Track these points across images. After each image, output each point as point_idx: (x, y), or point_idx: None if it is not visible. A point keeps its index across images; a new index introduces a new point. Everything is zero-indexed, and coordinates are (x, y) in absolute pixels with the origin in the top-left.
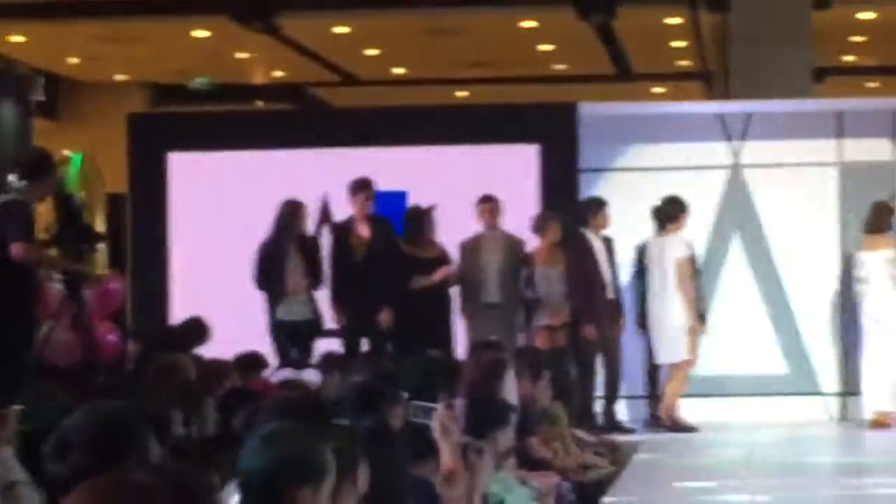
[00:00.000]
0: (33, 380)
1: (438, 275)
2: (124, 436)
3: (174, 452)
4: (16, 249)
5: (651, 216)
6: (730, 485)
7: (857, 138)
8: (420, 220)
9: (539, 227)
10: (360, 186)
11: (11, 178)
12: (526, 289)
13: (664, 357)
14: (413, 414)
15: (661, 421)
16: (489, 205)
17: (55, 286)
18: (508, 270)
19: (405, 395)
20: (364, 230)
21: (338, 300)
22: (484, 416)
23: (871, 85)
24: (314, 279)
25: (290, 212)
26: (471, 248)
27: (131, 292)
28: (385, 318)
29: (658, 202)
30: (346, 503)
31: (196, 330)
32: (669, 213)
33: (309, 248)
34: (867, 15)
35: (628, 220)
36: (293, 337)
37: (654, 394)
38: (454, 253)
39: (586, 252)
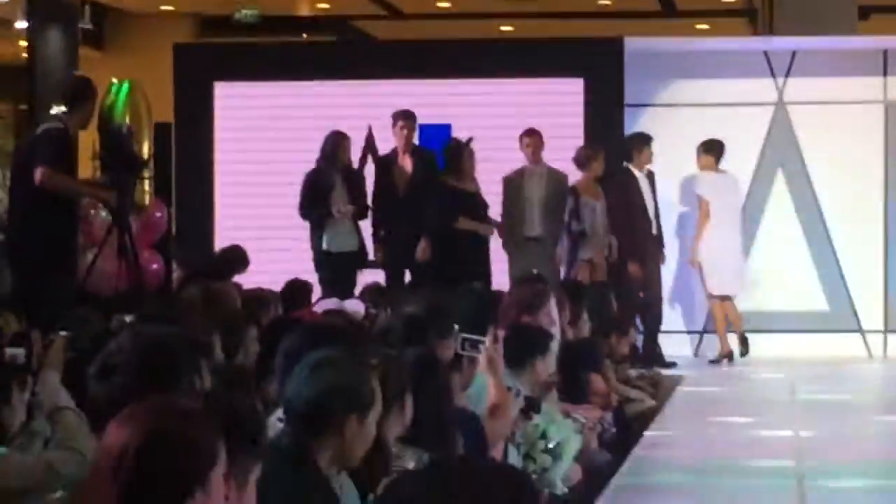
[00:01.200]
0: (76, 306)
1: (483, 228)
2: (170, 361)
3: (217, 380)
4: (36, 174)
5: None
6: (772, 420)
7: None
8: (461, 153)
9: (583, 159)
10: (404, 117)
11: (54, 105)
12: (571, 221)
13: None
14: (461, 347)
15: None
16: (532, 138)
17: (100, 214)
18: (552, 204)
19: (455, 327)
20: (407, 163)
21: (380, 232)
22: (522, 345)
23: None
24: (359, 210)
25: (336, 143)
26: (514, 181)
27: (176, 221)
28: (423, 251)
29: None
30: (393, 432)
31: (236, 258)
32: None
33: (354, 179)
34: None
35: (673, 155)
36: (338, 267)
37: None
38: (496, 187)
39: (630, 187)
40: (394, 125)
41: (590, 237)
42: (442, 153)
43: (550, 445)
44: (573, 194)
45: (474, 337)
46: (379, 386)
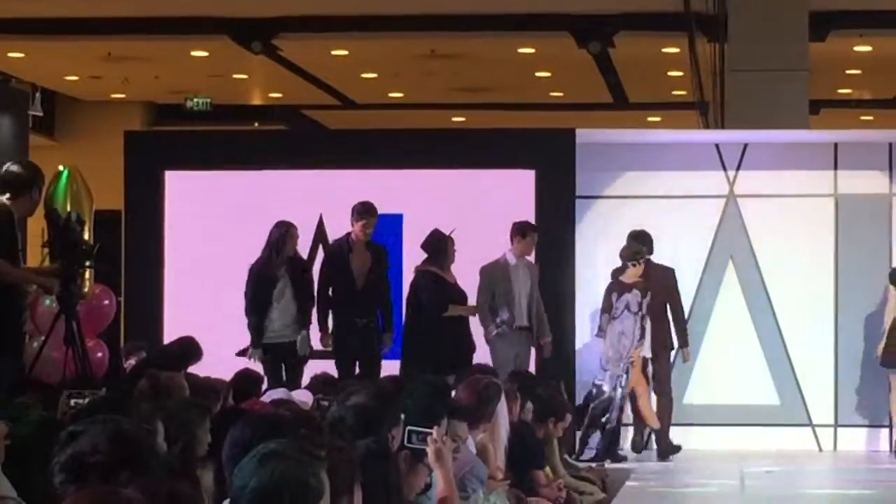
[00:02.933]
0: (21, 393)
1: (471, 310)
2: (145, 458)
3: (164, 469)
4: None
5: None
6: None
7: (853, 170)
8: (446, 244)
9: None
10: (368, 213)
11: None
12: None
13: None
14: (408, 439)
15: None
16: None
17: (45, 302)
18: (535, 294)
19: (402, 417)
20: (366, 256)
21: (326, 322)
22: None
23: (866, 118)
24: (304, 300)
25: (282, 233)
26: (500, 273)
27: (125, 310)
28: (387, 341)
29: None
30: None
31: (190, 349)
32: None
33: (300, 269)
34: (863, 48)
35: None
36: (283, 357)
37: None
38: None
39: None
40: (358, 219)
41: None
42: (428, 245)
43: None
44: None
45: (421, 429)
46: (327, 478)
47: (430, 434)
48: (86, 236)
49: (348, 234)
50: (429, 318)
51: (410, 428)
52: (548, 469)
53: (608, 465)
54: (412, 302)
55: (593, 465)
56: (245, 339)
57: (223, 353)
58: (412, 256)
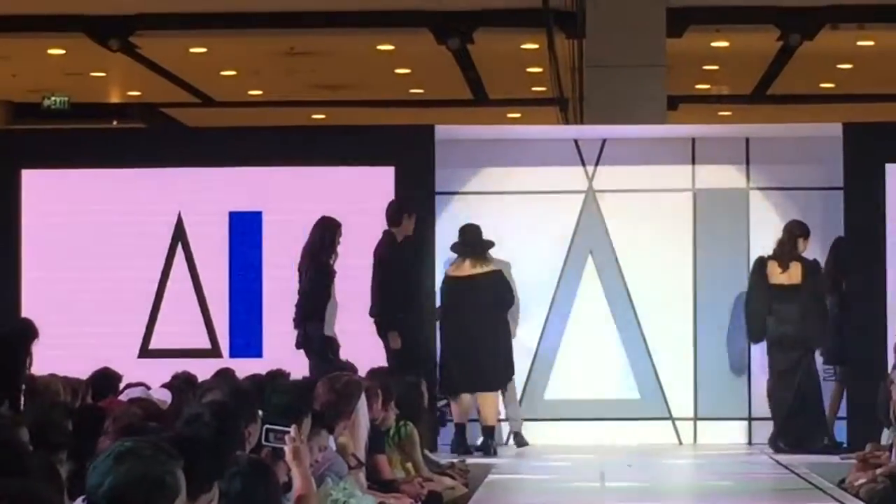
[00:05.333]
0: None
1: None
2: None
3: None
4: None
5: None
6: None
7: (710, 165)
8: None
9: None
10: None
11: None
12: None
13: None
14: (265, 437)
15: None
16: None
17: None
18: None
19: (260, 414)
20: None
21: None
22: None
23: (724, 113)
24: None
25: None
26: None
27: None
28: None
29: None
30: None
31: (26, 330)
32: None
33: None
34: (721, 43)
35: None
36: None
37: None
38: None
39: None
40: (409, 216)
41: None
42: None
43: None
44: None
45: (279, 427)
46: (183, 476)
47: (288, 433)
48: None
49: (391, 233)
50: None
51: (268, 426)
52: (409, 465)
53: (470, 459)
54: None
55: (455, 460)
56: (104, 336)
57: (86, 354)
58: (271, 254)
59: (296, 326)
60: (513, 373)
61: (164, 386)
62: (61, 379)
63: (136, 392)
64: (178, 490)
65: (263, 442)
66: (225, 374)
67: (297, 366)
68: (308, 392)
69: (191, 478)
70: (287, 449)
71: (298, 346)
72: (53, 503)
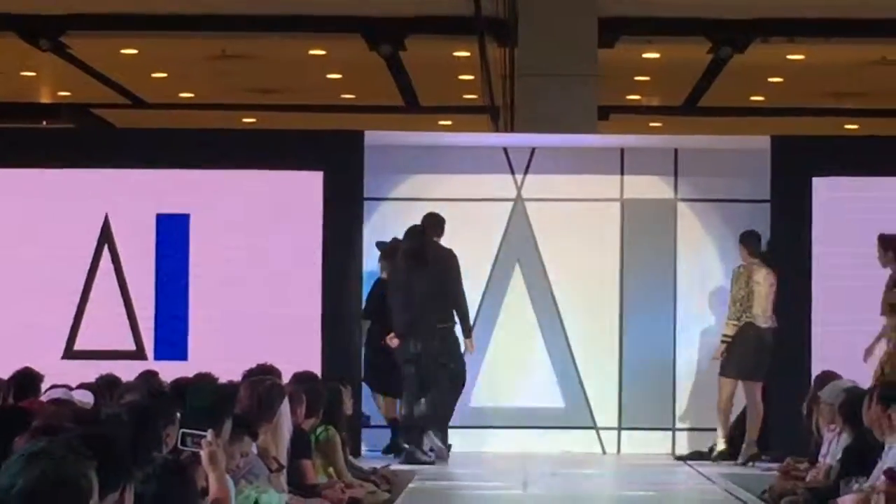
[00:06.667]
0: None
1: None
2: None
3: None
4: None
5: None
6: None
7: (639, 175)
8: None
9: None
10: None
11: None
12: None
13: None
14: (182, 441)
15: None
16: None
17: None
18: None
19: (178, 416)
20: None
21: None
22: None
23: (655, 124)
24: None
25: None
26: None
27: None
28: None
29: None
30: None
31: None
32: None
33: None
34: (652, 55)
35: None
36: None
37: None
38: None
39: None
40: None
41: None
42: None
43: None
44: None
45: (195, 432)
46: (96, 477)
47: (204, 437)
48: None
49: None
50: None
51: (184, 431)
52: (331, 470)
53: (393, 465)
54: None
55: (378, 466)
56: (26, 337)
57: (9, 355)
58: (199, 256)
59: None
60: None
61: (86, 387)
62: None
63: (57, 393)
64: (91, 491)
65: (180, 446)
66: (147, 377)
67: (223, 369)
68: (229, 396)
69: (101, 477)
70: (203, 453)
71: None
72: None
